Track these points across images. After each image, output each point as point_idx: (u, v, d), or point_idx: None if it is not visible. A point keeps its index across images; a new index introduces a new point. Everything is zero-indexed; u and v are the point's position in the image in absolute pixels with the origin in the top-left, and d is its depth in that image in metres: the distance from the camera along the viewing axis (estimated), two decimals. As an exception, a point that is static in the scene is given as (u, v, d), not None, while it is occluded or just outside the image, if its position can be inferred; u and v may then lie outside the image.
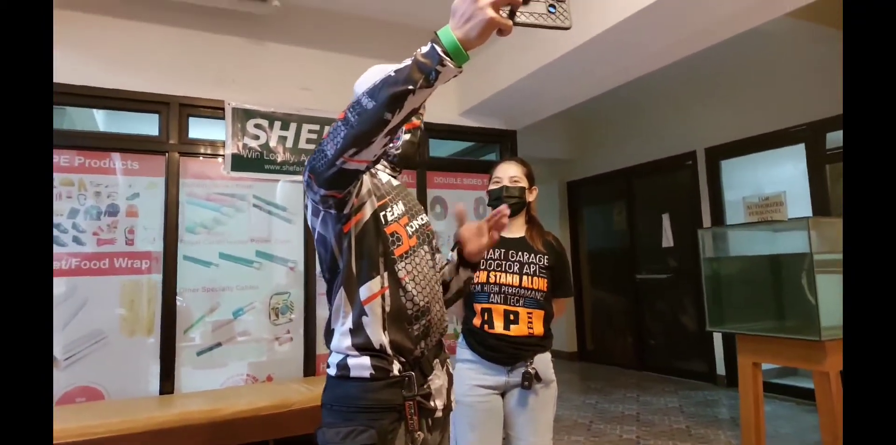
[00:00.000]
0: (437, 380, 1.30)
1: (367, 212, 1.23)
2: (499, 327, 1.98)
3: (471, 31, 0.92)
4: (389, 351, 1.21)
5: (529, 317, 1.99)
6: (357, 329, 1.21)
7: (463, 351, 2.05)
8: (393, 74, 0.98)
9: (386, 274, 1.23)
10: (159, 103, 3.31)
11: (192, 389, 3.19)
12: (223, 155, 3.41)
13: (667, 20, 2.81)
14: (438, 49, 0.94)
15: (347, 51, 3.81)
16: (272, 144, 3.54)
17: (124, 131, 3.30)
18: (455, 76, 0.98)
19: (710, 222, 5.16)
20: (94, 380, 3.00)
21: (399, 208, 1.31)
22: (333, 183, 1.10)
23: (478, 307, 2.03)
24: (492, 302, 2.00)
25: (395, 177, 1.43)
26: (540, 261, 2.05)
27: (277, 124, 3.57)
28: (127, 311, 3.11)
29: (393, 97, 0.96)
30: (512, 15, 0.92)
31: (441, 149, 4.41)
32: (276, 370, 3.42)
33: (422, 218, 1.39)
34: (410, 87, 0.95)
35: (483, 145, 4.66)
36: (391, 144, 1.39)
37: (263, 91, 3.59)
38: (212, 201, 3.37)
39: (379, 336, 1.20)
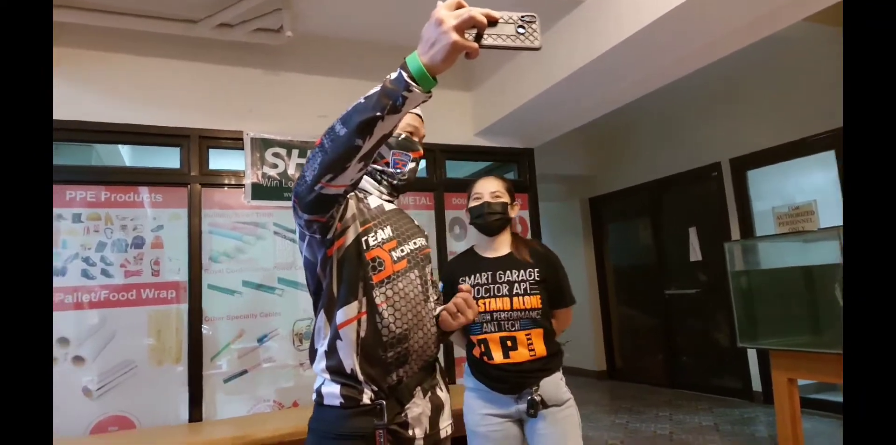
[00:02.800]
0: (416, 408, 1.27)
1: (350, 237, 1.24)
2: (498, 357, 1.88)
3: (436, 55, 0.92)
4: (360, 377, 1.20)
5: (529, 339, 1.89)
6: (331, 352, 1.22)
7: (468, 379, 1.98)
8: (363, 100, 0.99)
9: (364, 300, 1.22)
10: (180, 136, 3.39)
11: (221, 416, 3.22)
12: (243, 185, 3.47)
13: (689, 26, 2.74)
14: (405, 75, 0.94)
15: (360, 77, 3.86)
16: (290, 171, 3.60)
17: (149, 165, 3.40)
18: (424, 101, 0.98)
19: (738, 234, 5.05)
20: (126, 409, 3.04)
21: (385, 233, 1.29)
22: (314, 208, 1.13)
23: (473, 338, 1.94)
24: (485, 332, 1.90)
25: (391, 202, 1.41)
26: (530, 276, 1.93)
27: (295, 152, 3.63)
28: (155, 341, 3.16)
29: (363, 124, 0.98)
30: (479, 37, 0.91)
31: (458, 170, 4.41)
32: (301, 395, 3.42)
33: (415, 242, 1.37)
34: (378, 113, 0.97)
35: (500, 165, 4.65)
36: (395, 171, 1.39)
37: (280, 120, 3.66)
38: (234, 230, 3.43)
39: (351, 361, 1.21)
